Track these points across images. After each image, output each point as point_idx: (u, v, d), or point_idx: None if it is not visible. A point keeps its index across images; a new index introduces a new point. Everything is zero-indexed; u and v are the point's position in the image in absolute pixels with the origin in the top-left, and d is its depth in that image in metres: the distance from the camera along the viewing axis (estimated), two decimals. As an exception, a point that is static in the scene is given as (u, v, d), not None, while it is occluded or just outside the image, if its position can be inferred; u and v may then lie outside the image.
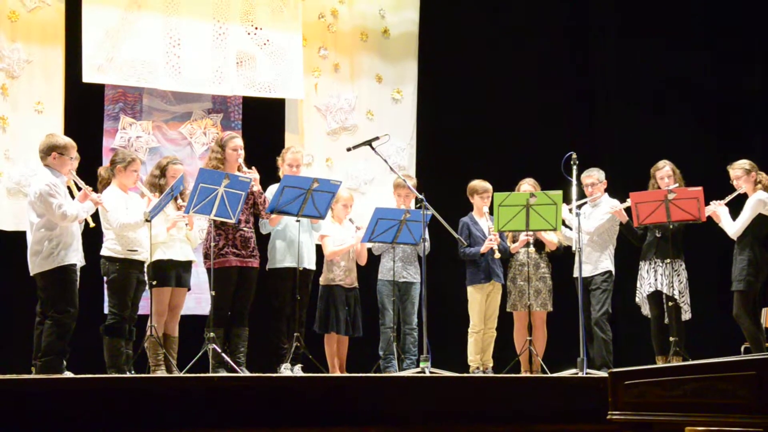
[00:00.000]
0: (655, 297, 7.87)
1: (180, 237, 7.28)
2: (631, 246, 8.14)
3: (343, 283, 7.82)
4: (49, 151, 6.74)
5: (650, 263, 7.91)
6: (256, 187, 7.40)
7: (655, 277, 7.85)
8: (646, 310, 8.00)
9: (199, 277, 7.84)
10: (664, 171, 7.95)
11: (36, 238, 6.66)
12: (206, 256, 7.22)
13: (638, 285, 8.00)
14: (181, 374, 6.76)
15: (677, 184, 7.81)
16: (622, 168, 8.97)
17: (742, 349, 7.77)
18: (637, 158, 8.56)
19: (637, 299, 8.04)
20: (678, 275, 7.77)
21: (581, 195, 7.85)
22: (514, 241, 8.09)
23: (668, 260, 7.78)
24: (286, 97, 9.03)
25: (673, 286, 7.74)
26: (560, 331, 8.07)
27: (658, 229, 7.86)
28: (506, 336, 8.18)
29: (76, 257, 6.78)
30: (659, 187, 7.87)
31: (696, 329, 8.07)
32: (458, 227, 8.03)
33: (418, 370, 6.90)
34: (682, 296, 7.79)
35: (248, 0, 8.80)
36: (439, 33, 9.70)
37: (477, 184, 8.18)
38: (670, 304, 7.69)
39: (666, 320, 7.78)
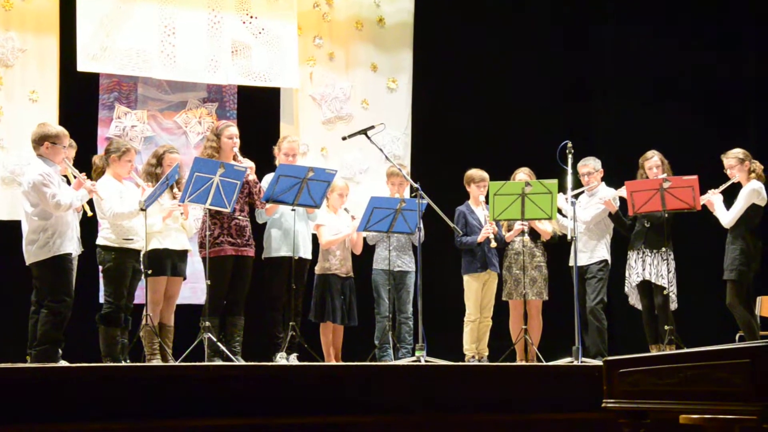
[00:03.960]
0: (644, 286, 7.88)
1: (175, 226, 7.26)
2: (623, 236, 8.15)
3: (339, 272, 7.82)
4: (41, 140, 6.72)
5: (639, 253, 7.91)
6: (252, 176, 7.39)
7: (644, 267, 7.85)
8: (633, 299, 8.02)
9: (195, 266, 7.83)
10: (653, 161, 7.95)
11: (31, 228, 6.65)
12: (202, 245, 7.20)
13: (627, 275, 8.01)
14: (177, 363, 6.76)
15: (665, 174, 7.81)
16: (617, 157, 8.97)
17: (737, 337, 7.79)
18: (633, 147, 8.55)
19: (626, 289, 8.04)
20: (666, 264, 7.76)
21: (577, 184, 7.85)
22: (509, 230, 8.09)
23: (657, 250, 7.79)
24: (281, 86, 9.01)
25: (661, 275, 7.73)
26: (555, 320, 8.09)
27: (646, 218, 7.86)
28: (502, 325, 8.19)
29: (71, 246, 6.77)
30: (648, 177, 7.87)
31: (690, 318, 8.09)
32: (454, 216, 8.03)
33: (414, 359, 6.91)
34: (670, 285, 7.78)
35: (243, -11, 8.80)
36: (434, 22, 9.68)
37: (473, 173, 8.17)
38: (664, 293, 7.69)
39: (656, 311, 7.80)
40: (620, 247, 8.23)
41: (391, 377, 6.02)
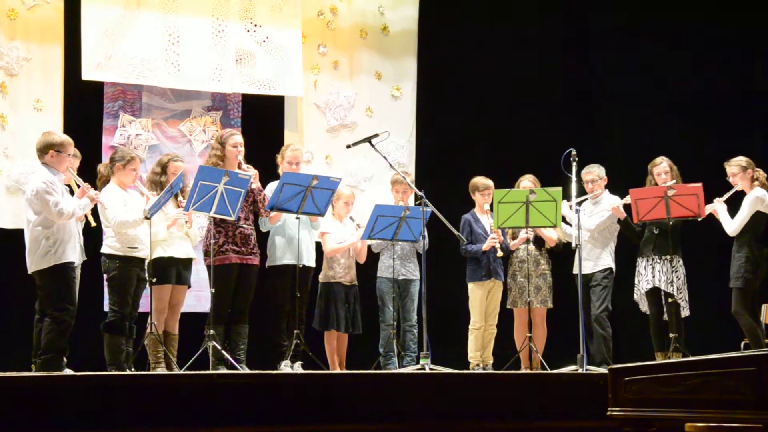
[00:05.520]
0: (654, 294, 7.87)
1: (180, 234, 7.27)
2: (631, 243, 8.14)
3: (343, 280, 7.81)
4: (46, 149, 6.72)
5: (648, 260, 7.90)
6: (256, 185, 7.40)
7: (653, 274, 7.85)
8: (644, 306, 8.00)
9: (199, 274, 7.84)
10: (661, 167, 7.94)
11: (33, 236, 6.64)
12: (206, 254, 7.22)
13: (636, 282, 8.00)
14: (181, 371, 6.76)
15: (674, 180, 7.81)
16: (621, 165, 8.97)
17: (742, 345, 7.77)
18: (637, 155, 8.56)
19: (635, 296, 8.04)
20: (676, 272, 7.77)
21: (581, 191, 7.84)
22: (513, 238, 8.08)
23: (666, 257, 7.79)
24: (286, 95, 9.02)
25: (671, 282, 7.73)
26: (560, 328, 8.06)
27: (655, 225, 7.85)
28: (506, 333, 8.17)
29: (73, 255, 6.76)
30: (656, 183, 7.87)
31: (696, 326, 8.07)
32: (460, 224, 8.03)
33: (418, 367, 6.90)
34: (680, 293, 7.77)
35: (247, -3, 8.82)
36: (438, 30, 9.69)
37: (478, 181, 8.16)
38: (670, 300, 7.69)
39: (665, 317, 7.79)
40: (625, 255, 8.22)
41: (395, 385, 6.02)
